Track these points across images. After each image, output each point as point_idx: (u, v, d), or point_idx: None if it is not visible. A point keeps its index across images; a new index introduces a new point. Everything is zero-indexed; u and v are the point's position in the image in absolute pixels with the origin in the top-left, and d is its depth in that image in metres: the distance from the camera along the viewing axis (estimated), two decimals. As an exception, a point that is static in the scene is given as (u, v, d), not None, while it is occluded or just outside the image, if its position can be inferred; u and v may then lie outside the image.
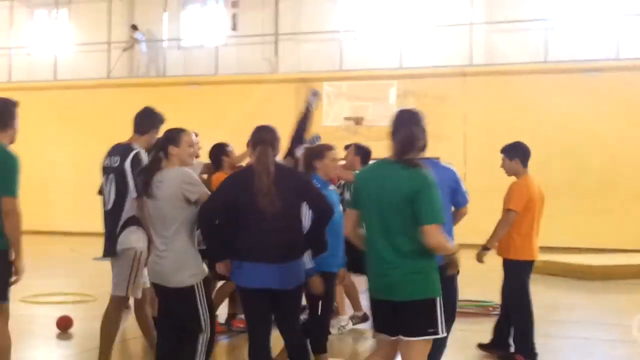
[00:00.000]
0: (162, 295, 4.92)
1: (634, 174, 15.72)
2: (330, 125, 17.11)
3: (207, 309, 4.85)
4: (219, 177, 7.03)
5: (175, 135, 4.95)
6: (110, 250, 5.61)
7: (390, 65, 17.94)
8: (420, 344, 4.02)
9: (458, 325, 7.41)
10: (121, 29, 20.59)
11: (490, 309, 8.54)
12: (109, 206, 5.65)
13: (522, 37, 17.50)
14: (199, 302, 4.80)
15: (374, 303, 4.15)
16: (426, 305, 3.98)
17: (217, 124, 18.29)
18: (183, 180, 4.78)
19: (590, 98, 16.12)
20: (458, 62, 17.47)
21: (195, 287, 4.78)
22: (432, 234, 3.91)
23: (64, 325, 7.50)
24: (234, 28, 20.10)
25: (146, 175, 4.91)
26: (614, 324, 8.60)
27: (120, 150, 5.78)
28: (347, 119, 17.38)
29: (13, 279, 4.90)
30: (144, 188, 4.87)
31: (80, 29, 21.10)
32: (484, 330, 6.96)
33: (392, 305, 4.01)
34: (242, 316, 7.38)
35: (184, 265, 4.77)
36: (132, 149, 5.73)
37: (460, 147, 16.41)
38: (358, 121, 17.36)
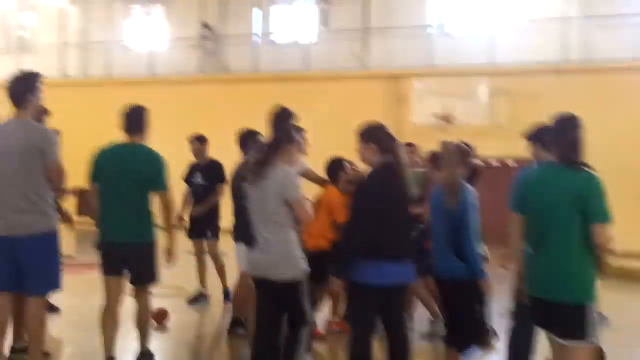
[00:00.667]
0: (267, 289, 4.96)
1: None
2: (419, 122, 16.97)
3: (309, 301, 5.02)
4: (332, 192, 7.03)
5: (293, 135, 5.16)
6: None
7: (481, 61, 17.63)
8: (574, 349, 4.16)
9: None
10: (213, 25, 20.93)
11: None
12: None
13: (621, 32, 16.86)
14: (304, 295, 4.96)
15: (535, 300, 4.25)
16: (576, 309, 4.12)
17: (306, 120, 18.42)
18: (286, 181, 4.93)
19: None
20: (552, 59, 17.01)
21: (302, 280, 4.96)
22: (601, 233, 4.04)
23: (160, 318, 7.68)
24: (325, 23, 20.16)
25: (257, 168, 5.01)
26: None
27: None
28: (436, 116, 17.20)
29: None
30: (253, 180, 4.96)
31: (174, 25, 21.58)
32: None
33: (547, 303, 4.18)
34: (337, 319, 7.42)
35: (293, 259, 4.91)
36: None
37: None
38: (447, 118, 17.14)
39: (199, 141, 9.25)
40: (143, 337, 5.91)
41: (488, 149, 17.20)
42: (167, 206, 5.73)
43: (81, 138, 17.76)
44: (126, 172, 5.68)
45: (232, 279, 7.49)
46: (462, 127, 17.33)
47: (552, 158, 5.03)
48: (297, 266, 4.91)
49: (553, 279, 4.10)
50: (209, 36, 20.77)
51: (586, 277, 4.09)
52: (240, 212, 5.91)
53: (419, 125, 16.64)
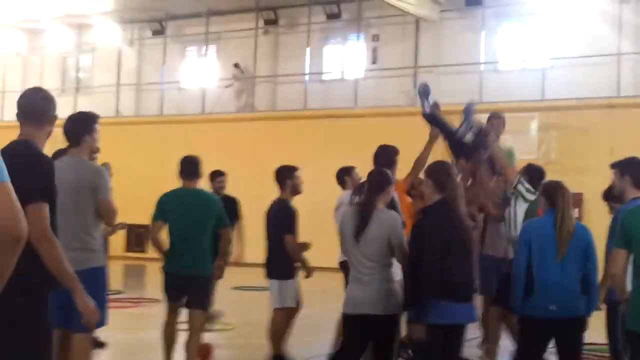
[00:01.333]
0: (363, 325, 5.08)
1: None
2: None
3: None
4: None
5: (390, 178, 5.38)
6: None
7: (531, 97, 17.54)
8: None
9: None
10: (265, 64, 21.29)
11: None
12: None
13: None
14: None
15: None
16: None
17: (355, 157, 18.48)
18: (394, 225, 5.13)
19: None
20: (604, 94, 16.83)
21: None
22: None
23: (204, 353, 7.72)
24: (374, 61, 20.33)
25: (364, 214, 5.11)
26: None
27: None
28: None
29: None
30: (357, 232, 5.08)
31: (228, 64, 22.01)
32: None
33: None
34: None
35: (390, 294, 5.06)
36: None
37: (607, 183, 15.72)
38: (498, 154, 17.01)
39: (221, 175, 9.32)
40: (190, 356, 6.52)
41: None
42: (228, 241, 6.88)
43: (134, 175, 18.10)
44: (190, 213, 6.51)
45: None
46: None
47: (635, 194, 5.19)
48: (396, 300, 5.08)
49: None
50: (239, 76, 21.19)
51: None
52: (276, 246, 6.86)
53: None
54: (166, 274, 6.61)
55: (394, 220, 5.13)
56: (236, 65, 21.17)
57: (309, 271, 7.52)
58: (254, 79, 21.24)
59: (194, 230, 6.48)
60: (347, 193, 6.91)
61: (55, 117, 3.90)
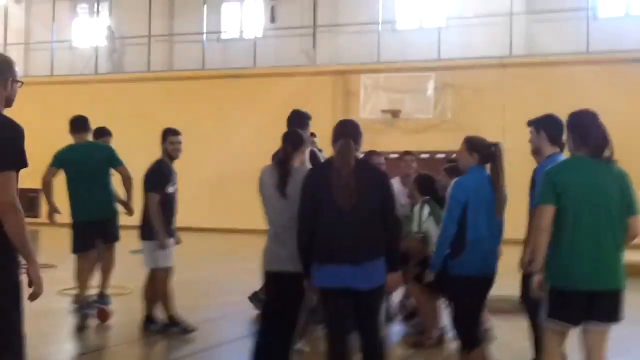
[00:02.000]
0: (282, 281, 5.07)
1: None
2: (367, 117, 17.09)
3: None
4: None
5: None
6: None
7: (428, 56, 17.84)
8: (608, 331, 4.36)
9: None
10: (161, 23, 20.78)
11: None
12: None
13: (563, 27, 17.25)
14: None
15: (572, 294, 4.26)
16: (621, 294, 4.33)
17: (255, 116, 18.42)
18: None
19: (633, 89, 15.85)
20: (497, 53, 17.30)
21: None
22: (638, 224, 4.33)
23: (103, 317, 7.61)
24: (273, 20, 20.16)
25: (283, 172, 5.12)
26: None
27: None
28: (384, 111, 17.35)
29: None
30: (281, 185, 5.06)
31: (121, 23, 21.35)
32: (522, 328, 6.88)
33: (594, 294, 4.23)
34: None
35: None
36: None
37: (499, 139, 16.23)
38: (395, 114, 17.32)
39: None
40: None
41: (435, 143, 17.45)
42: (128, 176, 7.46)
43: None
44: (86, 163, 7.37)
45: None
46: (409, 121, 17.54)
47: (552, 150, 5.20)
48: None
49: (608, 269, 4.27)
50: (110, 37, 20.79)
51: (622, 264, 4.36)
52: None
53: (367, 120, 16.76)
54: (76, 224, 7.26)
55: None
56: (108, 27, 20.79)
57: (162, 236, 7.02)
58: (123, 39, 20.66)
59: (91, 177, 7.37)
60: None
61: (7, 80, 3.78)
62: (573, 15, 17.10)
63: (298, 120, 6.64)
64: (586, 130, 4.38)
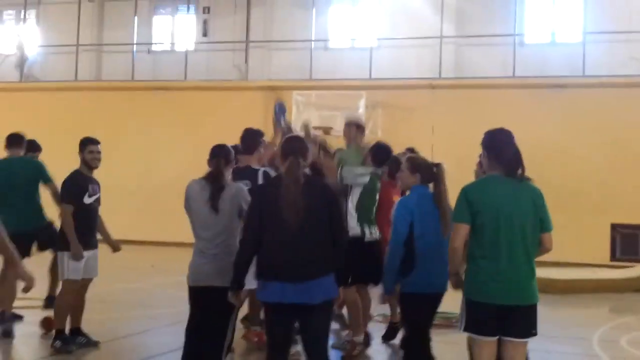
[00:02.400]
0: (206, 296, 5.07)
1: (596, 189, 15.94)
2: (299, 134, 17.10)
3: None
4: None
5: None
6: None
7: (359, 76, 18.00)
8: (525, 345, 4.52)
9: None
10: (90, 32, 20.40)
11: (454, 320, 8.56)
12: None
13: (491, 52, 17.67)
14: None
15: (486, 307, 4.35)
16: (535, 309, 4.49)
17: (185, 130, 18.21)
18: (241, 194, 5.27)
19: (556, 114, 16.32)
20: (427, 75, 17.58)
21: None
22: (551, 240, 4.53)
23: (48, 325, 7.52)
24: (205, 34, 20.02)
25: (216, 187, 5.19)
26: (575, 338, 8.67)
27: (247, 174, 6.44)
28: (316, 128, 17.38)
29: None
30: (214, 200, 5.12)
31: (48, 31, 20.87)
32: (450, 342, 6.97)
33: (508, 308, 4.35)
34: (257, 328, 7.24)
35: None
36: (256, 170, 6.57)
37: (428, 159, 16.47)
38: (327, 131, 17.36)
39: None
40: None
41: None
42: (55, 190, 7.56)
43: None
44: (15, 177, 7.81)
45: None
46: (340, 138, 17.58)
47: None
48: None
49: (522, 284, 4.40)
50: (20, 46, 20.46)
51: (535, 279, 4.52)
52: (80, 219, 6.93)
53: (299, 137, 16.80)
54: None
55: (240, 188, 5.31)
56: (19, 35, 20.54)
57: (113, 245, 7.51)
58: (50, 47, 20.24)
59: (17, 191, 7.72)
60: None
61: None
62: (501, 40, 17.54)
63: (250, 138, 6.76)
64: (500, 149, 4.50)
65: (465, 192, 4.43)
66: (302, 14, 19.09)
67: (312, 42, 18.90)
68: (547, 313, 9.98)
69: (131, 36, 20.31)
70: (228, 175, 5.26)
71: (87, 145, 7.17)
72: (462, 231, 4.39)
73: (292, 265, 4.47)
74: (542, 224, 4.47)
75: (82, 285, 7.01)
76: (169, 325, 8.04)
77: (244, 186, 5.45)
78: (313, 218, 4.53)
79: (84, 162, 7.14)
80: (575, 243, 15.30)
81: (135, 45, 20.26)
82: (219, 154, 5.23)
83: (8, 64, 20.78)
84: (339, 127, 17.21)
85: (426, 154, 17.76)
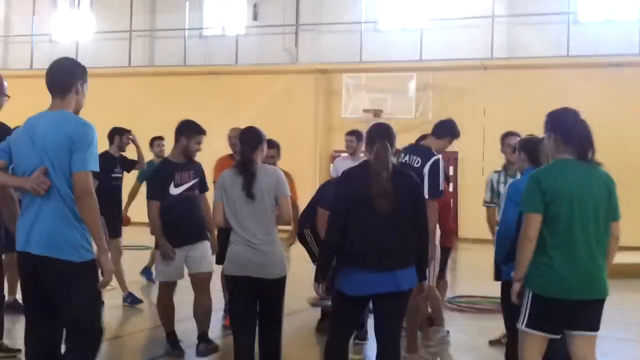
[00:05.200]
0: (250, 286, 4.96)
1: (654, 170, 15.60)
2: (349, 117, 17.10)
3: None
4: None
5: (264, 135, 5.16)
6: None
7: (410, 57, 17.87)
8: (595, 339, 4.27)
9: (475, 322, 7.38)
10: (143, 18, 20.66)
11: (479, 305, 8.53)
12: None
13: (544, 31, 17.36)
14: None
15: (556, 303, 4.10)
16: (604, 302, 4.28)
17: (236, 114, 18.35)
18: (278, 179, 5.04)
19: (612, 93, 15.99)
20: (479, 55, 17.36)
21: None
22: (619, 229, 4.25)
23: None
24: (255, 18, 20.10)
25: (247, 175, 4.97)
26: (632, 324, 8.50)
27: (420, 152, 6.08)
28: (365, 111, 17.35)
29: None
30: (248, 187, 4.93)
31: (102, 17, 21.20)
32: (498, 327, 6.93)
33: (582, 303, 4.12)
34: None
35: (280, 255, 4.99)
36: (433, 154, 6.05)
37: (480, 141, 16.34)
38: (377, 113, 17.32)
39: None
40: None
41: (416, 144, 17.44)
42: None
43: None
44: None
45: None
46: (390, 121, 17.52)
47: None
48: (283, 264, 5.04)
49: (597, 277, 4.17)
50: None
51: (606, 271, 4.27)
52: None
53: (349, 120, 16.77)
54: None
55: (277, 171, 5.10)
56: None
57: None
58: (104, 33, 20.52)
59: None
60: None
61: None
62: (554, 19, 17.22)
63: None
64: (570, 129, 4.21)
65: (538, 180, 4.14)
66: (351, -5, 19.03)
67: (362, 24, 18.82)
68: (608, 299, 9.79)
69: (183, 21, 20.50)
70: (258, 159, 5.03)
71: (113, 134, 7.33)
72: (535, 222, 4.10)
73: (381, 255, 4.42)
74: (614, 212, 4.21)
75: (194, 281, 6.27)
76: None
77: (280, 170, 5.21)
78: (401, 206, 4.48)
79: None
80: (633, 226, 14.95)
81: (186, 31, 20.45)
82: (243, 141, 5.09)
83: (63, 51, 21.17)
84: (389, 109, 17.18)
85: (478, 136, 17.67)
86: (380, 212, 4.42)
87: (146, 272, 9.87)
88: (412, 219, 4.53)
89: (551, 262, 4.09)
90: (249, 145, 5.03)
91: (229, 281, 5.11)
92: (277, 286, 4.98)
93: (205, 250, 6.28)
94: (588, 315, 4.16)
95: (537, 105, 16.05)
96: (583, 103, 16.21)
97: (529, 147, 5.22)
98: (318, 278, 4.70)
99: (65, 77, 4.12)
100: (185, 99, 18.98)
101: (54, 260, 3.84)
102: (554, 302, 4.08)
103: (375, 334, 4.68)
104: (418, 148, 6.20)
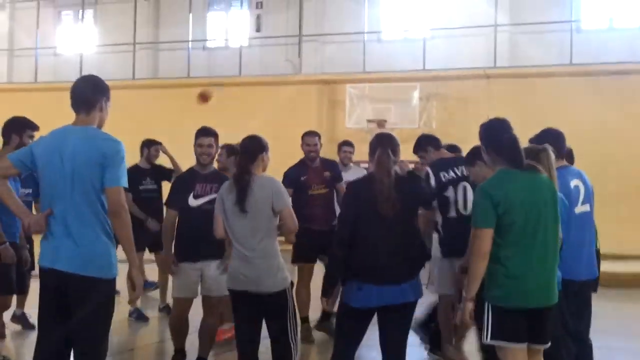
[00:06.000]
0: (250, 301, 4.90)
1: (659, 178, 15.54)
2: (353, 127, 17.11)
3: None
4: None
5: (266, 143, 5.04)
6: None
7: (413, 67, 17.88)
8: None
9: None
10: (146, 30, 20.73)
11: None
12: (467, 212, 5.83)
13: (547, 39, 17.35)
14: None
15: (516, 312, 4.08)
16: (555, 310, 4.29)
17: (240, 125, 18.34)
18: (275, 191, 4.88)
19: (616, 102, 15.95)
20: (482, 64, 17.37)
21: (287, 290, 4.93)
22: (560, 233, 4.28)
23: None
24: (258, 29, 20.16)
25: (240, 186, 4.83)
26: (633, 334, 8.45)
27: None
28: (369, 121, 17.36)
29: None
30: (240, 201, 4.80)
31: (106, 30, 21.27)
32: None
33: (537, 311, 4.11)
34: (226, 326, 7.08)
35: (276, 269, 4.86)
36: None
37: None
38: (381, 123, 17.32)
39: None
40: None
41: (420, 153, 17.44)
42: None
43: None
44: None
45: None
46: (394, 131, 17.55)
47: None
48: (282, 275, 4.93)
49: (551, 283, 4.16)
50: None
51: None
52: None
53: (353, 130, 16.78)
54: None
55: (274, 183, 4.92)
56: None
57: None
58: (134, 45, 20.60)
59: None
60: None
61: None
62: (557, 27, 17.22)
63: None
64: (498, 141, 4.26)
65: (488, 194, 4.10)
66: (354, 6, 19.05)
67: (365, 35, 18.86)
68: (610, 308, 9.76)
69: (186, 33, 20.57)
70: (258, 170, 4.90)
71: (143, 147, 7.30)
72: (488, 236, 4.05)
73: (387, 267, 4.44)
74: (556, 215, 4.21)
75: (204, 302, 6.05)
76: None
77: (277, 181, 5.05)
78: (406, 213, 4.51)
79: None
80: (638, 235, 14.94)
81: (190, 42, 20.51)
82: (242, 150, 4.97)
83: (67, 64, 21.24)
84: (393, 119, 17.18)
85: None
86: (385, 221, 4.42)
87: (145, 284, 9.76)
88: (415, 226, 4.58)
89: (507, 273, 4.07)
90: (248, 154, 4.92)
91: (229, 295, 5.08)
92: (275, 300, 4.86)
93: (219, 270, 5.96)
94: (545, 323, 4.14)
95: (541, 114, 16.11)
96: (587, 111, 16.39)
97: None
98: (325, 292, 4.69)
99: (91, 93, 4.19)
100: (189, 111, 19.01)
101: (80, 277, 3.85)
102: (515, 312, 4.06)
103: (381, 347, 4.65)
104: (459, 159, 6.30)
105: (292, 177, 7.32)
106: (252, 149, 4.95)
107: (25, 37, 21.84)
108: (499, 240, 4.07)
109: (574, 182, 5.04)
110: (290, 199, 5.06)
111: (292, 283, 5.03)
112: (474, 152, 5.50)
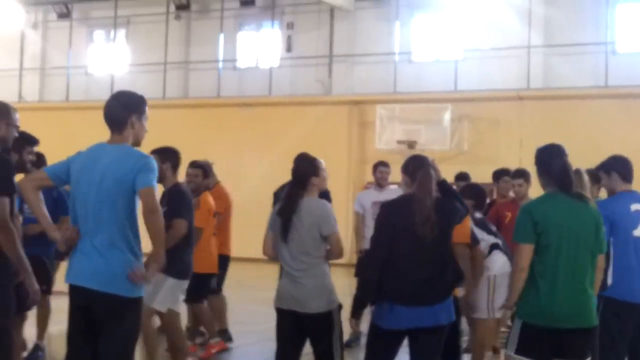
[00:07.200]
0: (296, 321, 4.86)
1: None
2: (383, 148, 16.97)
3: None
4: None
5: (318, 165, 4.94)
6: None
7: (444, 88, 17.74)
8: None
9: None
10: (177, 50, 20.84)
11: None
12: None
13: (581, 61, 17.12)
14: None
15: (545, 331, 4.18)
16: (593, 332, 4.37)
17: (269, 146, 18.34)
18: (323, 216, 4.83)
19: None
20: (515, 86, 17.18)
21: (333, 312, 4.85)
22: (603, 261, 4.51)
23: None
24: (289, 49, 20.17)
25: (284, 218, 4.82)
26: None
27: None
28: (400, 142, 17.22)
29: None
30: (284, 232, 4.81)
31: (137, 50, 21.43)
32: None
33: (568, 332, 4.20)
34: (214, 340, 7.22)
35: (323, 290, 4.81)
36: None
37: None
38: (411, 145, 17.18)
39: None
40: None
41: (451, 174, 17.25)
42: None
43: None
44: None
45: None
46: (425, 152, 17.38)
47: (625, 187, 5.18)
48: (329, 298, 4.85)
49: (585, 306, 4.28)
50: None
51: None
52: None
53: (383, 151, 16.64)
54: None
55: (323, 207, 4.87)
56: None
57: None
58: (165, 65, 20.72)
59: None
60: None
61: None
62: (592, 49, 16.98)
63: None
64: (548, 164, 4.42)
65: (529, 212, 4.31)
66: (385, 26, 18.98)
67: (396, 55, 18.76)
68: None
69: (217, 53, 20.65)
70: (309, 193, 4.82)
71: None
72: (527, 252, 4.26)
73: (420, 289, 4.40)
74: (600, 245, 4.39)
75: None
76: (255, 343, 8.00)
77: (326, 203, 5.01)
78: (443, 236, 4.47)
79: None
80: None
81: (221, 62, 20.58)
82: (292, 175, 4.90)
83: (99, 83, 21.43)
84: (423, 140, 17.02)
85: (514, 167, 17.26)
86: (421, 242, 4.38)
87: None
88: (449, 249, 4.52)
89: (538, 292, 4.24)
90: (298, 178, 4.88)
91: (276, 313, 5.06)
92: (319, 321, 4.79)
93: (157, 283, 5.77)
94: (574, 343, 4.24)
95: (575, 137, 15.85)
96: (621, 134, 16.06)
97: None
98: (354, 314, 4.61)
99: (120, 112, 4.25)
100: (219, 131, 19.03)
101: (107, 294, 3.89)
102: (541, 330, 4.19)
103: None
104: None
105: None
106: (301, 174, 4.90)
107: (57, 56, 22.09)
108: (536, 258, 4.25)
109: (634, 207, 5.15)
110: (337, 225, 4.92)
111: (340, 305, 4.92)
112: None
